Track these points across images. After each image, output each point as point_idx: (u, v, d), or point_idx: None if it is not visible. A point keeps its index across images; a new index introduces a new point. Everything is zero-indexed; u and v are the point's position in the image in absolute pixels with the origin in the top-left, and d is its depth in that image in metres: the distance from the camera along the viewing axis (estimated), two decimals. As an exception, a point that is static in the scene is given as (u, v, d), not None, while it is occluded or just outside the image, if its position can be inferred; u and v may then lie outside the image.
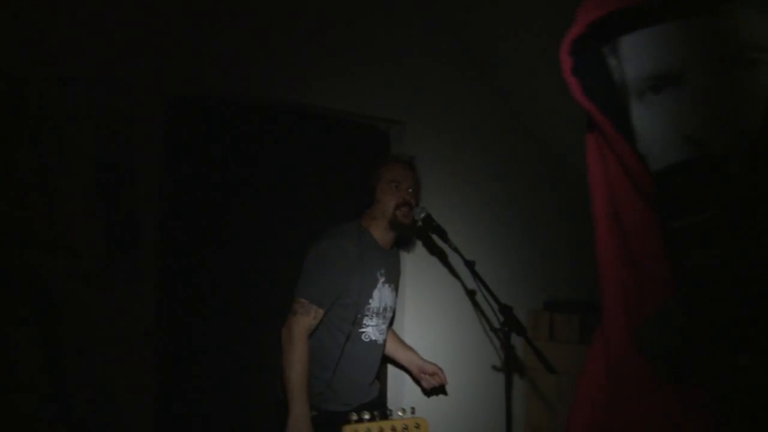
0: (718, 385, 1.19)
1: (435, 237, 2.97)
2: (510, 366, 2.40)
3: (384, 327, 2.81)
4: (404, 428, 1.84)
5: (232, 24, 2.87)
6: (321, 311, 2.58)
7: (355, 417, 1.83)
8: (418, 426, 1.86)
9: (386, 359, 3.09)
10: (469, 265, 2.60)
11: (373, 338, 2.75)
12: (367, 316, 2.71)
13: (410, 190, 2.80)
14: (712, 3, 1.18)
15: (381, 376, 3.09)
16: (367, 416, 1.82)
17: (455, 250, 2.66)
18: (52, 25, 2.48)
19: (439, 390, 3.14)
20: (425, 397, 3.15)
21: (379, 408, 2.64)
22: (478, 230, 3.60)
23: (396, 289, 2.90)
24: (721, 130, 1.19)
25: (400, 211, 2.73)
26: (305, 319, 2.54)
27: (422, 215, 2.75)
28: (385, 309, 2.79)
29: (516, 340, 2.63)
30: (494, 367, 3.48)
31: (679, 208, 1.07)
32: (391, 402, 3.18)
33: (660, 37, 1.24)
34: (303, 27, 3.08)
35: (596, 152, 1.46)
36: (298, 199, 3.22)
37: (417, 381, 3.05)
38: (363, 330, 2.72)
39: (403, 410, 1.88)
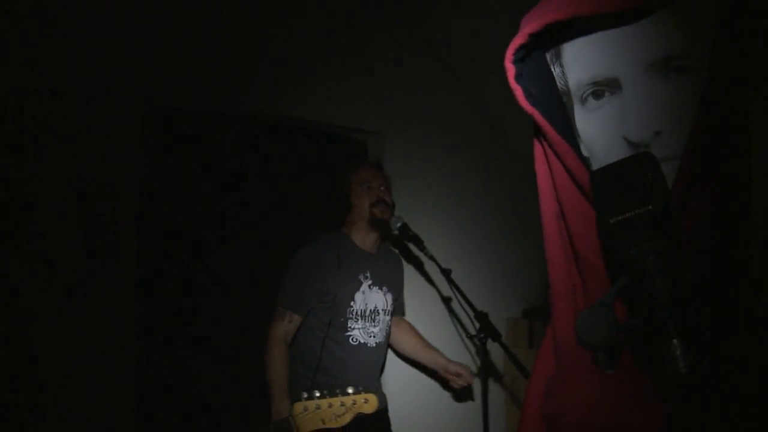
0: (654, 370, 1.25)
1: (411, 246, 2.99)
2: (487, 372, 2.43)
3: (376, 330, 2.80)
4: (353, 403, 1.93)
5: (210, 35, 2.89)
6: (296, 316, 2.69)
7: (305, 395, 1.91)
8: (366, 401, 1.95)
9: (411, 361, 3.19)
10: (446, 273, 2.64)
11: (362, 341, 2.76)
12: (351, 318, 2.74)
13: (382, 188, 2.85)
14: (643, 12, 1.24)
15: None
16: (317, 393, 1.92)
17: (431, 258, 2.69)
18: (27, 38, 2.49)
19: (467, 391, 3.13)
20: (403, 404, 3.16)
21: (383, 418, 2.78)
22: (456, 239, 3.64)
23: (391, 291, 2.90)
24: (656, 133, 1.25)
25: (376, 209, 2.79)
26: (281, 324, 2.67)
27: (399, 224, 2.79)
28: (374, 312, 2.80)
29: (493, 347, 2.64)
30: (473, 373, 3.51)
31: (614, 204, 1.13)
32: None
33: (599, 45, 1.30)
34: (282, 39, 3.11)
35: (542, 156, 1.51)
36: (278, 210, 3.23)
37: (445, 381, 3.09)
38: (349, 333, 2.74)
39: (353, 387, 1.96)
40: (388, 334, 2.92)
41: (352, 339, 2.75)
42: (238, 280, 3.09)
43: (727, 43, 1.12)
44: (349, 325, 2.74)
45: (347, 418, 1.94)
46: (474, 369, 3.09)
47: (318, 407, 1.91)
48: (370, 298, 2.81)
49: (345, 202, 2.82)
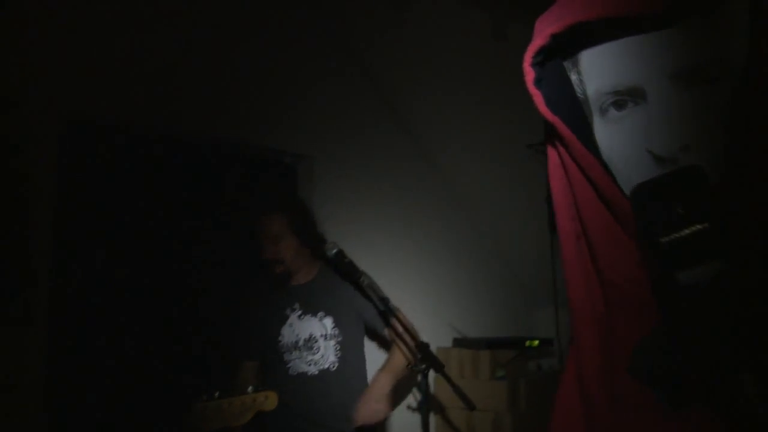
0: (722, 408, 1.14)
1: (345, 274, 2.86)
2: (428, 405, 2.33)
3: (317, 357, 2.74)
4: (253, 401, 2.01)
5: (136, 49, 2.77)
6: (249, 363, 2.80)
7: (205, 397, 1.96)
8: (266, 398, 2.04)
9: None
10: (384, 302, 2.54)
11: (302, 370, 2.72)
12: (285, 352, 2.74)
13: (271, 247, 2.73)
14: (673, 18, 1.19)
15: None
16: (217, 394, 1.98)
17: (369, 287, 2.58)
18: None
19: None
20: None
21: None
22: (387, 267, 3.56)
23: (331, 314, 2.79)
24: (684, 147, 1.18)
25: (273, 269, 2.74)
26: (239, 372, 2.78)
27: (334, 251, 2.67)
28: (309, 340, 2.75)
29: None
30: (410, 408, 3.40)
31: (658, 225, 1.05)
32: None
33: (622, 52, 1.24)
34: (210, 57, 3.02)
35: (559, 170, 1.43)
36: (201, 234, 3.10)
37: None
38: (288, 365, 2.74)
39: (253, 386, 2.04)
40: (346, 358, 2.79)
41: (291, 370, 2.73)
42: (159, 303, 2.93)
43: (764, 52, 1.08)
44: (284, 357, 2.74)
45: (248, 416, 2.01)
46: (414, 402, 3.00)
47: (218, 407, 1.97)
48: (301, 327, 2.75)
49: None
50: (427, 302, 3.78)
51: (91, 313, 2.74)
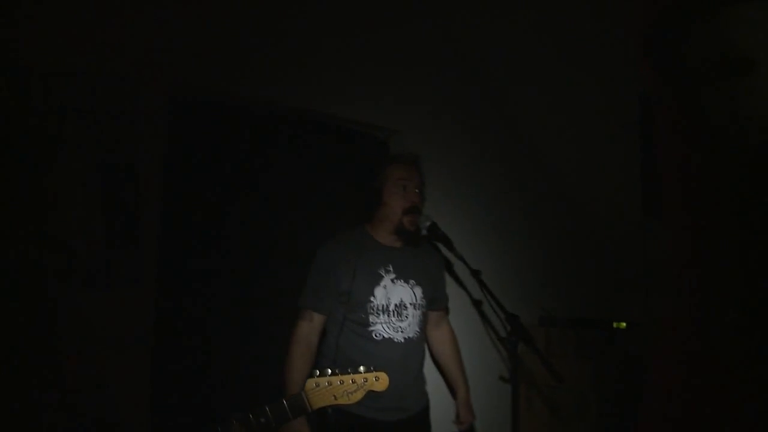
0: None
1: (440, 246, 2.92)
2: (517, 376, 2.37)
3: (404, 325, 2.73)
4: (364, 381, 1.94)
5: (238, 28, 2.86)
6: (317, 315, 2.70)
7: (317, 372, 1.93)
8: (378, 378, 1.95)
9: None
10: (476, 274, 2.58)
11: (387, 336, 2.69)
12: (372, 314, 2.69)
13: (417, 191, 2.78)
14: None
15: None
16: (329, 371, 1.94)
17: (461, 259, 2.63)
18: (55, 17, 2.43)
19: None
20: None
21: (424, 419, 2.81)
22: (476, 241, 3.58)
23: (421, 284, 2.81)
24: None
25: (407, 218, 2.73)
26: (302, 323, 2.69)
27: (427, 224, 2.73)
28: (400, 306, 2.74)
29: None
30: (502, 378, 3.44)
31: None
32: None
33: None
34: (306, 34, 3.08)
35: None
36: (297, 205, 3.19)
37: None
38: (371, 328, 2.69)
39: (365, 366, 1.97)
40: (423, 329, 2.85)
41: (375, 334, 2.69)
42: (261, 272, 3.04)
43: None
44: (370, 320, 2.69)
45: (359, 396, 1.95)
46: (505, 373, 3.03)
47: (329, 383, 1.92)
48: (394, 292, 2.74)
49: (376, 196, 2.76)
50: (514, 279, 3.78)
51: (197, 278, 2.87)
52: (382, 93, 3.36)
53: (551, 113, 3.80)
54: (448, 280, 3.17)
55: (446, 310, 3.07)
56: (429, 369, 3.03)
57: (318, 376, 1.93)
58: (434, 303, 2.95)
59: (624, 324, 3.81)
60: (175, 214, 2.80)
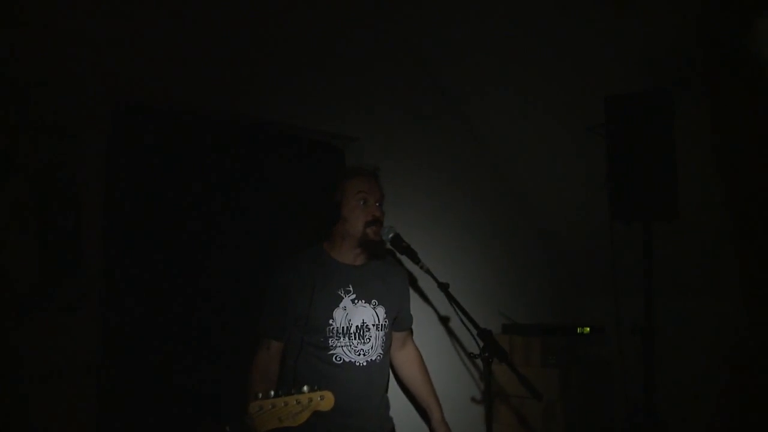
0: None
1: (404, 258, 2.79)
2: (490, 395, 2.26)
3: (366, 347, 2.60)
4: (309, 401, 1.89)
5: (189, 33, 2.71)
6: (275, 342, 2.59)
7: (260, 395, 1.87)
8: (322, 398, 1.91)
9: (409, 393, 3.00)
10: (443, 287, 2.46)
11: (348, 359, 2.56)
12: (332, 337, 2.55)
13: (378, 204, 2.64)
14: None
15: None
16: (272, 393, 1.88)
17: (428, 272, 2.51)
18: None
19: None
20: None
21: None
22: (434, 251, 3.47)
23: (384, 304, 2.69)
24: None
25: (370, 229, 2.59)
26: (261, 351, 2.59)
27: (390, 235, 2.60)
28: (361, 328, 2.60)
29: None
30: (473, 399, 3.33)
31: None
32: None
33: None
34: (260, 41, 2.96)
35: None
36: (251, 216, 3.05)
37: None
38: (332, 352, 2.55)
39: (309, 386, 1.91)
40: (386, 351, 2.72)
41: (336, 357, 2.56)
42: (214, 289, 2.88)
43: None
44: (330, 343, 2.55)
45: (305, 416, 1.91)
46: (476, 392, 2.92)
47: (273, 406, 1.86)
48: (354, 313, 2.61)
49: (334, 212, 2.60)
50: (475, 287, 3.69)
51: (143, 298, 2.69)
52: (337, 99, 3.24)
53: (513, 118, 3.73)
54: (413, 295, 3.04)
55: (410, 331, 2.95)
56: (394, 391, 2.90)
57: (261, 399, 1.87)
58: (398, 324, 2.83)
59: (588, 329, 3.76)
60: (121, 230, 2.62)
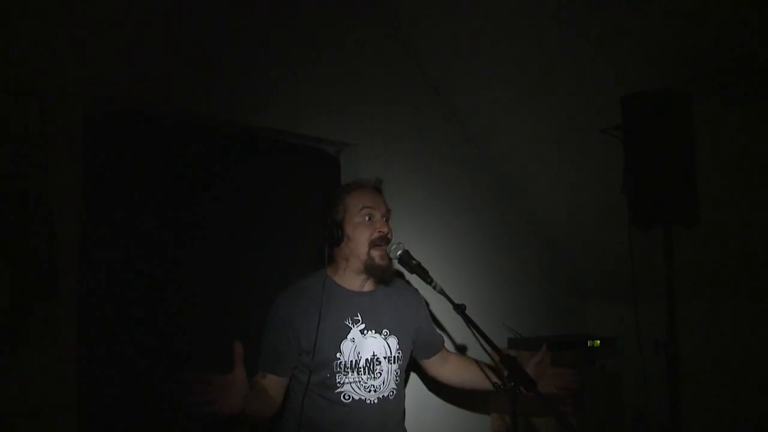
0: None
1: (414, 278, 2.54)
2: (518, 429, 2.03)
3: (377, 383, 2.36)
4: None
5: (170, 32, 2.50)
6: (275, 377, 2.29)
7: None
8: None
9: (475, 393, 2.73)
10: (459, 309, 2.21)
11: (358, 397, 2.31)
12: (339, 372, 2.30)
13: (384, 220, 2.40)
14: None
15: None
16: None
17: (441, 292, 2.26)
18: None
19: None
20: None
21: None
22: (434, 263, 3.24)
23: (397, 334, 2.45)
24: None
25: (376, 252, 2.34)
26: (257, 378, 2.28)
27: (399, 252, 2.34)
28: (371, 361, 2.36)
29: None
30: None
31: None
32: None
33: None
34: (249, 42, 2.75)
35: None
36: (241, 229, 2.84)
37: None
38: (339, 389, 2.30)
39: None
40: (401, 386, 2.48)
41: (344, 396, 2.30)
42: (201, 313, 2.65)
43: None
44: (338, 380, 2.30)
45: None
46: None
47: None
48: (364, 345, 2.36)
49: (335, 232, 2.35)
50: (479, 300, 3.49)
51: (127, 324, 2.46)
52: (330, 105, 3.04)
53: (519, 124, 3.54)
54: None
55: (445, 348, 2.73)
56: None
57: None
58: (429, 347, 2.64)
59: (598, 342, 3.59)
60: (100, 251, 2.39)
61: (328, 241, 2.36)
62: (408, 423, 2.62)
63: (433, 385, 3.11)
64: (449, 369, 2.70)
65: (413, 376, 3.11)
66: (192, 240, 2.68)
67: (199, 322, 2.65)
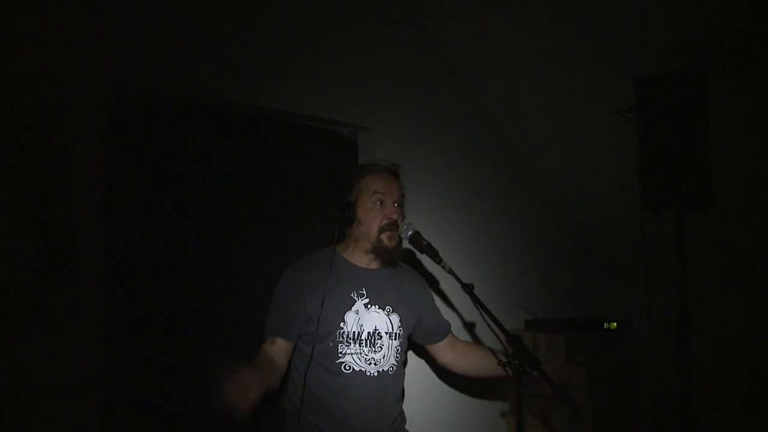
0: None
1: (424, 258, 2.59)
2: (521, 407, 2.07)
3: (378, 356, 2.42)
4: None
5: (186, 18, 2.52)
6: (280, 339, 2.37)
7: None
8: None
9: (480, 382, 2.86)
10: (467, 288, 2.26)
11: (358, 369, 2.38)
12: (341, 342, 2.38)
13: (396, 206, 2.44)
14: None
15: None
16: None
17: (450, 272, 2.32)
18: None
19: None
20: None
21: None
22: (452, 245, 3.29)
23: (399, 311, 2.51)
24: None
25: (385, 235, 2.40)
26: (265, 345, 2.39)
27: (409, 233, 2.41)
28: (373, 335, 2.42)
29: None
30: (503, 414, 3.16)
31: None
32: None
33: None
34: (264, 25, 2.76)
35: None
36: (258, 211, 2.87)
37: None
38: (341, 360, 2.37)
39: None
40: (400, 364, 2.55)
41: (345, 366, 2.37)
42: (220, 290, 2.70)
43: None
44: (339, 350, 2.38)
45: None
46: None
47: None
48: (367, 319, 2.43)
49: (347, 213, 2.41)
50: (495, 281, 3.53)
51: (149, 303, 2.52)
52: (348, 87, 3.06)
53: (533, 106, 3.55)
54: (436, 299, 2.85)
55: (452, 334, 2.77)
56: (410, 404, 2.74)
57: None
58: (435, 333, 2.69)
59: (615, 324, 3.60)
60: (120, 233, 2.43)
61: (340, 221, 2.42)
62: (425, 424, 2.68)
63: (448, 378, 3.19)
64: (457, 355, 2.75)
65: (431, 377, 3.18)
66: (213, 223, 2.72)
67: (221, 297, 2.71)
